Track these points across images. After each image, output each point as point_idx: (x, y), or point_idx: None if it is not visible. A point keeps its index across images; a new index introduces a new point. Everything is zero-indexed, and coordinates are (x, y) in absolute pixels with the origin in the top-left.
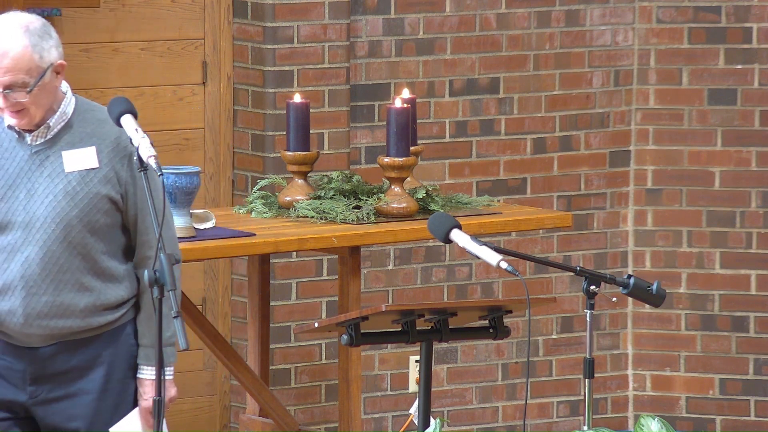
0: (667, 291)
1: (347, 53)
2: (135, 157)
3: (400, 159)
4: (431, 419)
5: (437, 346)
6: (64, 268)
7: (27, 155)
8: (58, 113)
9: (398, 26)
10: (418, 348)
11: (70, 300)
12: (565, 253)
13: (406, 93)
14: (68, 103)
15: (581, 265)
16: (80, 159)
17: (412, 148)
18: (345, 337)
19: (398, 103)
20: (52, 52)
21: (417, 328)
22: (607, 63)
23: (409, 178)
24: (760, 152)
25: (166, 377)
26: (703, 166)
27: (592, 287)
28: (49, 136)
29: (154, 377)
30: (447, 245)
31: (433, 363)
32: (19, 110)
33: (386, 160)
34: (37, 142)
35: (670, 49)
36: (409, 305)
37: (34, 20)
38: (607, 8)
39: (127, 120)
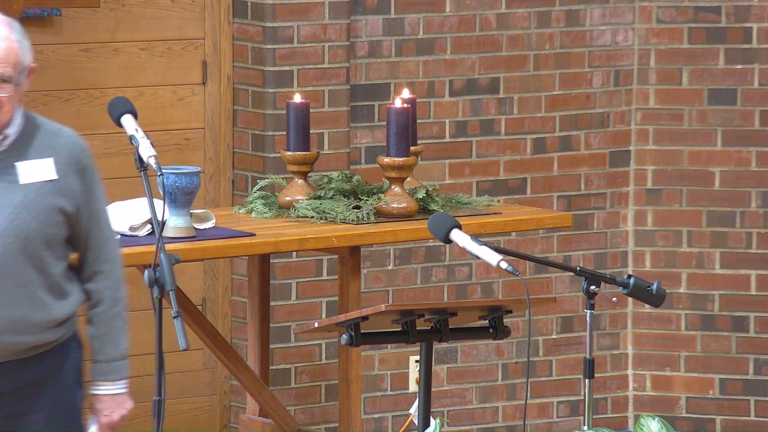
0: (667, 291)
1: (347, 53)
2: (87, 169)
3: (400, 159)
4: (431, 419)
5: (437, 346)
6: (21, 282)
7: None
8: (15, 123)
9: (398, 26)
10: (418, 348)
11: (24, 315)
12: (565, 253)
13: (406, 93)
14: (21, 115)
15: (581, 265)
16: (37, 170)
17: (412, 148)
18: (345, 337)
19: (398, 103)
20: (29, 52)
21: (417, 328)
22: (607, 63)
23: (409, 178)
24: (760, 152)
25: (121, 391)
26: (703, 166)
27: (592, 287)
28: (3, 147)
29: (112, 392)
30: (447, 245)
31: (433, 363)
32: None
33: (386, 160)
34: None
35: (670, 49)
36: (409, 305)
37: (12, 20)
38: (607, 8)
39: (127, 120)
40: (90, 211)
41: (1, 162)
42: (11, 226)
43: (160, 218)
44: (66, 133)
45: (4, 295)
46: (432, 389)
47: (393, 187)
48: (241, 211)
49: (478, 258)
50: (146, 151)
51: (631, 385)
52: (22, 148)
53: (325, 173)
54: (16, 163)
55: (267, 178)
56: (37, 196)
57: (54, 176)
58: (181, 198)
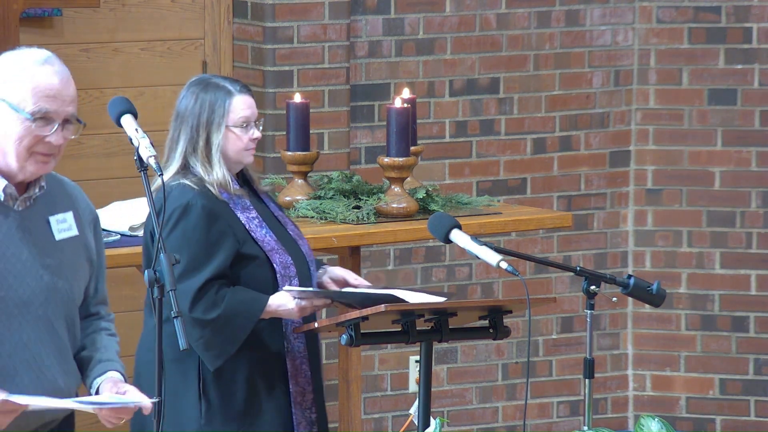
0: (667, 291)
1: (347, 53)
2: (98, 221)
3: (400, 159)
4: (431, 419)
5: (437, 346)
6: (60, 349)
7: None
8: None
9: (398, 26)
10: (418, 348)
11: (62, 385)
12: (565, 253)
13: (406, 93)
14: None
15: (581, 265)
16: (65, 226)
17: (412, 148)
18: (345, 337)
19: (398, 103)
20: None
21: (417, 328)
22: (607, 63)
23: (409, 178)
24: (760, 152)
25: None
26: (703, 166)
27: (592, 287)
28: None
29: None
30: (447, 245)
31: (433, 363)
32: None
33: (386, 160)
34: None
35: (670, 49)
36: (409, 305)
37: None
38: (607, 8)
39: (127, 120)
40: (100, 266)
41: (33, 216)
42: (54, 289)
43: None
44: (71, 183)
45: (48, 363)
46: (432, 389)
47: (393, 187)
48: None
49: (478, 258)
50: (146, 151)
51: (631, 385)
52: (48, 199)
53: (325, 173)
54: (50, 218)
55: (267, 178)
56: (71, 254)
57: (77, 232)
58: None
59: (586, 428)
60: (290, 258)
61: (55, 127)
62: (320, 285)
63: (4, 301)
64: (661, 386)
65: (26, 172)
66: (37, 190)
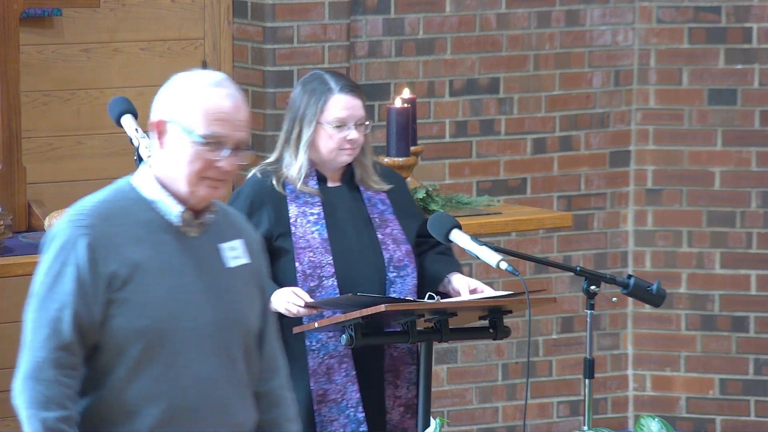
0: (667, 291)
1: (347, 53)
2: (262, 249)
3: (400, 159)
4: (431, 419)
5: (437, 346)
6: (242, 384)
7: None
8: None
9: (398, 26)
10: (418, 348)
11: (242, 425)
12: (565, 253)
13: (406, 93)
14: None
15: (581, 265)
16: (237, 253)
17: (412, 148)
18: (345, 337)
19: (398, 103)
20: None
21: (417, 328)
22: (607, 63)
23: (409, 178)
24: (760, 152)
25: None
26: (703, 166)
27: (592, 287)
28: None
29: None
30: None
31: (433, 363)
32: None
33: (386, 160)
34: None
35: (670, 49)
36: (410, 305)
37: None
38: (607, 8)
39: (127, 120)
40: (267, 298)
41: (205, 244)
42: (230, 319)
43: None
44: (233, 211)
45: (227, 398)
46: (432, 389)
47: None
48: None
49: (478, 258)
50: (146, 150)
51: (631, 385)
52: (215, 226)
53: None
54: (221, 245)
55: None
56: (244, 282)
57: (248, 259)
58: None
59: (586, 428)
60: (331, 257)
61: (226, 152)
62: (446, 294)
63: (181, 333)
64: (661, 386)
65: (196, 197)
66: (211, 216)
